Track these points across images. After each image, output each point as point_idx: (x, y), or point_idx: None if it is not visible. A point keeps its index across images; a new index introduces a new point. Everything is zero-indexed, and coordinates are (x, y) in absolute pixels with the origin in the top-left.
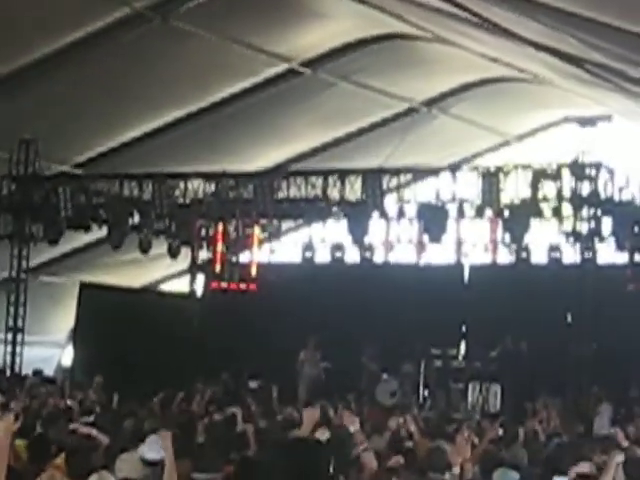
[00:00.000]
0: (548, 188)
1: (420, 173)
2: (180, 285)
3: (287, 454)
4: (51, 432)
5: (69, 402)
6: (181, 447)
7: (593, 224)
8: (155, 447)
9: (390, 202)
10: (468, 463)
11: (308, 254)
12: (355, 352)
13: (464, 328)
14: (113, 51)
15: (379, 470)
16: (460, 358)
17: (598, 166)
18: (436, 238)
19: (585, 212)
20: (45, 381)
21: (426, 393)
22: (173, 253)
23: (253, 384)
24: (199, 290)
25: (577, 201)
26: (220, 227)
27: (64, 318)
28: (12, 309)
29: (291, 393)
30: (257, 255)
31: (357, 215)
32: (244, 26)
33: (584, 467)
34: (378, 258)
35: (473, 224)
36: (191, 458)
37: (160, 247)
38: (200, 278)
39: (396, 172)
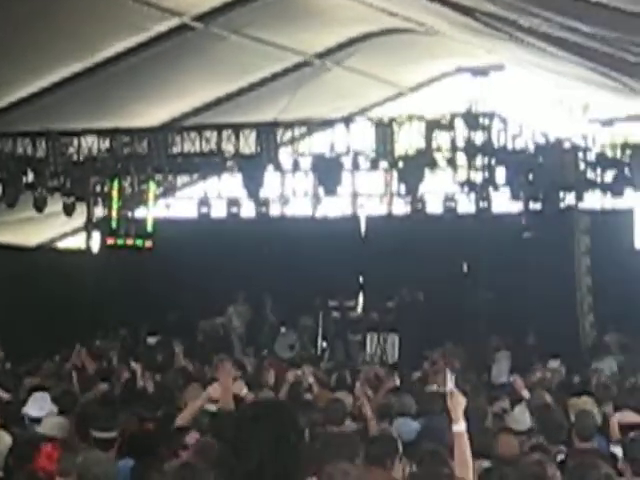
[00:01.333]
0: (442, 138)
1: (314, 125)
2: (76, 242)
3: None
4: None
5: None
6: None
7: (487, 173)
8: (39, 404)
9: (285, 155)
10: (372, 419)
11: (204, 209)
12: (253, 306)
13: (361, 279)
14: None
15: None
16: (358, 309)
17: (491, 115)
18: (331, 190)
19: (479, 161)
20: None
21: (325, 345)
22: (68, 210)
23: (152, 340)
24: (95, 247)
25: (471, 150)
26: (115, 183)
27: None
28: None
29: (193, 348)
30: (153, 211)
31: (252, 169)
32: None
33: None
34: (274, 212)
35: (368, 176)
36: (88, 415)
37: (55, 205)
38: (96, 235)
39: (290, 125)
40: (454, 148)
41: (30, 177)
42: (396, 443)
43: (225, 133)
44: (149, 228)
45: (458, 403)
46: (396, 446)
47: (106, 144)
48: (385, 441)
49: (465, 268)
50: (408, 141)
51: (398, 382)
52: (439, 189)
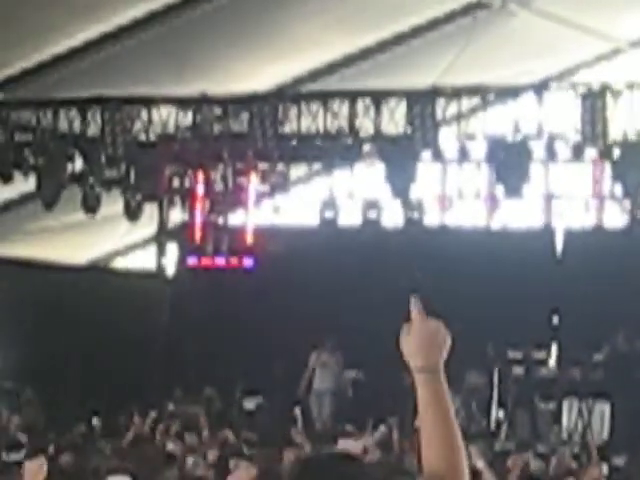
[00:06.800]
0: None
1: (491, 95)
2: (143, 260)
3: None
4: None
5: None
6: None
7: None
8: None
9: (447, 137)
10: None
11: (329, 214)
12: (398, 357)
13: (556, 320)
14: None
15: None
16: (550, 364)
17: None
18: (515, 190)
19: None
20: None
21: (501, 415)
22: (132, 213)
23: (250, 404)
24: (170, 267)
25: None
26: (200, 175)
27: None
28: None
29: (309, 417)
30: (254, 216)
31: (399, 156)
32: None
33: None
34: (430, 220)
35: (569, 170)
36: None
37: (113, 205)
38: (172, 249)
39: (456, 93)
40: None
41: (78, 164)
42: None
43: (361, 104)
44: (249, 240)
45: None
46: None
47: (188, 118)
48: None
49: None
50: (629, 119)
51: (606, 472)
52: None
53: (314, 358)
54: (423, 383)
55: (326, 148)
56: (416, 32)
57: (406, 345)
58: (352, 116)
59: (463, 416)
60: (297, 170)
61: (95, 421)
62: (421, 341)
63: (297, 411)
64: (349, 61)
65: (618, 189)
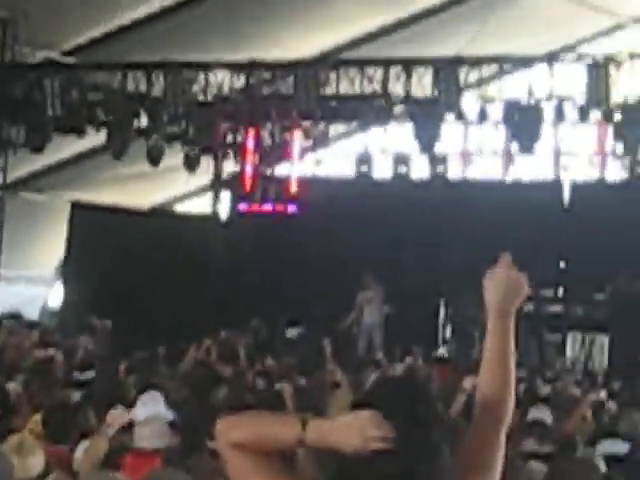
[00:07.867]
0: None
1: (508, 63)
2: (200, 206)
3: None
4: (34, 389)
5: (51, 352)
6: (195, 410)
7: None
8: (151, 406)
9: (469, 101)
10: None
11: (364, 167)
12: (423, 292)
13: (563, 263)
14: None
15: None
16: (557, 301)
17: None
18: (528, 147)
19: None
20: (26, 327)
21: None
22: (190, 164)
23: (292, 332)
24: (224, 212)
25: None
26: (251, 132)
27: (51, 247)
28: None
29: (345, 346)
30: (298, 168)
31: (426, 117)
32: None
33: None
34: (453, 173)
35: (575, 130)
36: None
37: (174, 157)
38: (225, 197)
39: (477, 62)
40: None
41: (143, 121)
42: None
43: (393, 70)
44: (293, 190)
45: None
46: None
47: (241, 81)
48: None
49: None
50: (629, 86)
51: (604, 395)
52: None
53: (361, 297)
54: (494, 325)
55: (362, 108)
56: (444, 6)
57: (487, 288)
58: (385, 81)
59: (479, 347)
60: (336, 128)
61: (160, 349)
62: (501, 286)
63: (326, 342)
64: (384, 32)
65: (619, 147)
